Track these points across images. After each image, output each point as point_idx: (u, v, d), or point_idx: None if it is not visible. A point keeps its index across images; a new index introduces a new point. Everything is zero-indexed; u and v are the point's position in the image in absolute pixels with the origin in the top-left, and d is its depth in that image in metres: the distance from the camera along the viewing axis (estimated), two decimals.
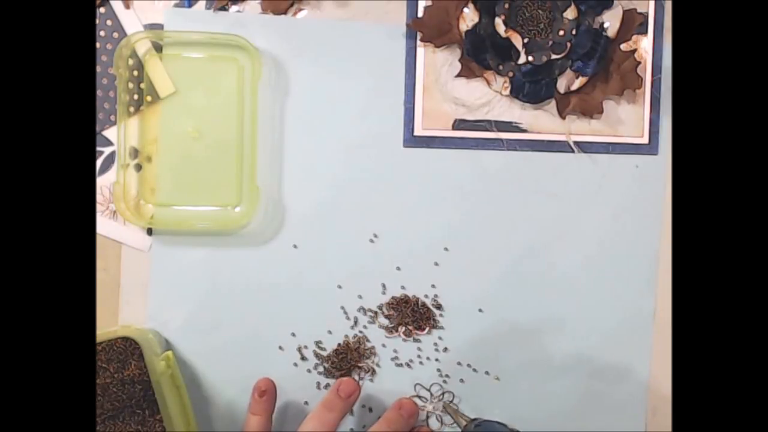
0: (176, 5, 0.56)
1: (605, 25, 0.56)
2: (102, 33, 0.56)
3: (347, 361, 0.58)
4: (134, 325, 0.57)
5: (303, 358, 0.58)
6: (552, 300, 0.59)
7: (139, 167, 0.56)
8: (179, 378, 0.53)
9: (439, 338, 0.59)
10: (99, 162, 0.57)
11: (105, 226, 0.57)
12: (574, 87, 0.57)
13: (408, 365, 0.59)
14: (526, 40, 0.56)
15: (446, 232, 0.58)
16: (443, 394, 0.59)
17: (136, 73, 0.56)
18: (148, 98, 0.56)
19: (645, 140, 0.59)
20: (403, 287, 0.59)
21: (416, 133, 0.58)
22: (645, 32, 0.58)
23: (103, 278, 0.57)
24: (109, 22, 0.56)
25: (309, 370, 0.58)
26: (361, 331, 0.58)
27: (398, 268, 0.58)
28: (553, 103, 0.58)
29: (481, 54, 0.56)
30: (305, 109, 0.57)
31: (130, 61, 0.55)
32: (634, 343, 0.60)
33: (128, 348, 0.51)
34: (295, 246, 0.58)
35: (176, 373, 0.53)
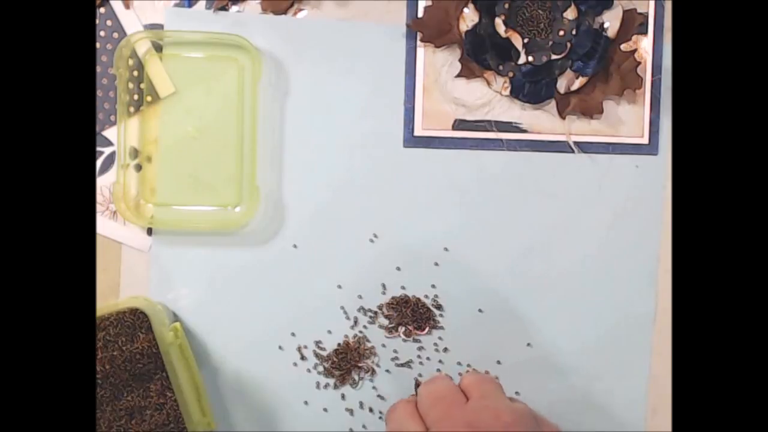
0: (176, 5, 0.56)
1: (605, 25, 0.56)
2: (102, 33, 0.56)
3: (347, 361, 0.58)
4: (142, 296, 0.56)
5: (303, 358, 0.58)
6: (552, 300, 0.59)
7: (139, 167, 0.56)
8: (188, 349, 0.53)
9: (439, 338, 0.59)
10: (99, 162, 0.57)
11: (105, 226, 0.57)
12: (574, 87, 0.57)
13: (408, 365, 0.59)
14: (526, 40, 0.56)
15: (446, 232, 0.58)
16: None
17: (136, 73, 0.56)
18: (148, 98, 0.56)
19: (645, 140, 0.59)
20: (403, 287, 0.59)
21: (416, 133, 0.58)
22: (645, 32, 0.58)
23: (103, 278, 0.57)
24: (109, 22, 0.56)
25: (309, 370, 0.58)
26: (361, 331, 0.58)
27: (398, 268, 0.58)
28: (553, 103, 0.58)
29: (481, 54, 0.56)
30: (305, 109, 0.57)
31: (130, 61, 0.55)
32: (634, 343, 0.60)
33: (137, 321, 0.51)
34: (295, 246, 0.58)
35: (185, 345, 0.53)
